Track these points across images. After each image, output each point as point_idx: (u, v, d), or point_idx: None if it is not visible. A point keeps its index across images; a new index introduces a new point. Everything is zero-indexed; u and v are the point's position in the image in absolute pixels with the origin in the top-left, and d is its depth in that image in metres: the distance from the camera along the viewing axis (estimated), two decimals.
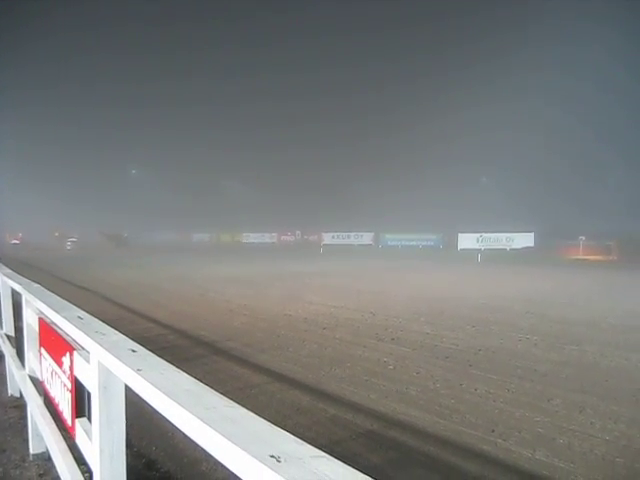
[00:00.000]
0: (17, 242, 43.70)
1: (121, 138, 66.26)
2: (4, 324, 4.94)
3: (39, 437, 3.17)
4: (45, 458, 3.21)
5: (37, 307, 3.03)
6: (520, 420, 4.04)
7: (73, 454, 2.42)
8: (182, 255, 29.73)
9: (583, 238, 29.66)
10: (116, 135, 66.36)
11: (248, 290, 12.47)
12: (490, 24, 47.35)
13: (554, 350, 6.36)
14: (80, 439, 2.05)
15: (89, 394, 1.91)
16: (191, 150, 63.04)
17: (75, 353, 2.08)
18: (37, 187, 57.85)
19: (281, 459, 0.85)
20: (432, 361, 5.85)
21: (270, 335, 7.21)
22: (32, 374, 3.35)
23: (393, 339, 6.99)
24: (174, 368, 1.42)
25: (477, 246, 33.82)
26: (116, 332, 1.94)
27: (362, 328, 7.74)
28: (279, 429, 0.99)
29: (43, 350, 2.80)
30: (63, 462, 2.40)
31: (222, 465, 0.96)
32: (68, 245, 39.22)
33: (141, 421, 3.64)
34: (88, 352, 1.87)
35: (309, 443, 0.93)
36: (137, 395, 1.37)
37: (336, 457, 0.87)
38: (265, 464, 0.83)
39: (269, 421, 1.02)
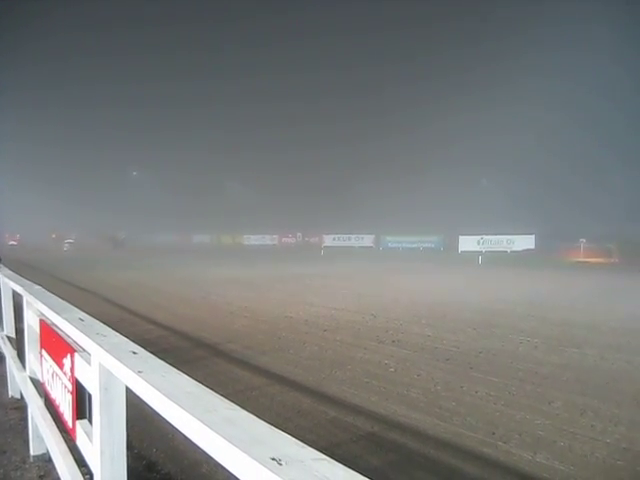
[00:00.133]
0: (15, 243, 43.79)
1: (121, 139, 66.41)
2: (5, 325, 4.95)
3: (40, 439, 3.17)
4: (46, 460, 3.21)
5: (38, 309, 3.03)
6: (521, 423, 4.03)
7: (74, 456, 2.42)
8: (182, 257, 29.74)
9: (584, 240, 29.61)
10: (116, 136, 66.53)
11: (249, 292, 12.46)
12: (490, 27, 47.36)
13: (555, 353, 6.35)
14: (81, 441, 2.05)
15: (90, 396, 1.91)
16: (191, 151, 63.07)
17: (76, 355, 2.08)
18: (37, 188, 57.90)
19: (282, 462, 0.85)
20: (433, 363, 5.85)
21: (271, 337, 7.21)
22: (33, 375, 3.35)
23: (394, 341, 6.98)
24: (175, 370, 1.42)
25: (478, 248, 33.77)
26: (117, 334, 1.94)
27: (363, 330, 7.73)
28: (280, 432, 0.99)
29: (44, 352, 2.80)
30: (64, 464, 2.40)
31: (222, 467, 0.96)
32: (65, 247, 39.25)
33: (142, 423, 3.64)
34: (89, 354, 1.87)
35: (310, 445, 0.93)
36: (137, 397, 1.37)
37: (337, 460, 0.87)
38: (266, 467, 0.83)
39: (270, 423, 1.02)
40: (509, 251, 33.36)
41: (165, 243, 50.54)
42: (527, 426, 3.96)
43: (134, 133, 66.64)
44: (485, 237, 34.97)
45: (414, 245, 39.04)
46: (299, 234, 49.19)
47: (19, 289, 3.78)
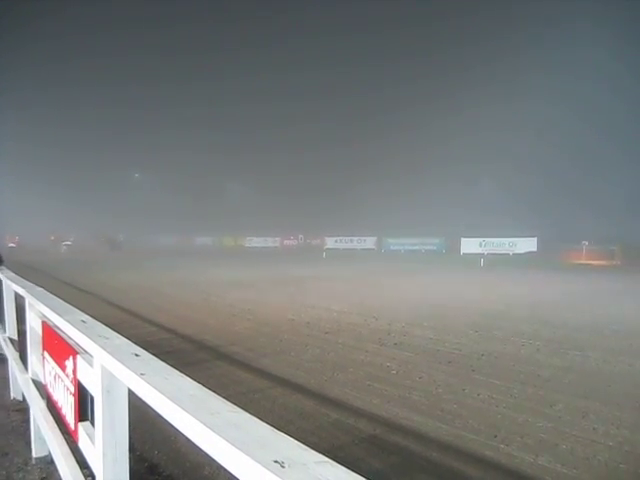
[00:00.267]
0: (13, 245, 43.89)
1: (121, 140, 66.66)
2: (7, 327, 4.96)
3: (42, 440, 3.18)
4: (48, 461, 3.22)
5: (40, 310, 3.04)
6: (523, 425, 4.02)
7: (76, 458, 2.42)
8: (184, 259, 29.76)
9: (586, 243, 29.54)
10: (116, 137, 66.77)
11: (251, 294, 12.47)
12: (490, 25, 47.26)
13: (557, 355, 6.34)
14: (83, 443, 2.05)
15: (92, 398, 1.91)
16: (192, 152, 63.12)
17: (78, 357, 2.09)
18: (36, 189, 58.08)
19: (285, 464, 0.85)
20: (435, 366, 5.84)
21: (273, 339, 7.21)
22: (35, 377, 3.36)
23: (396, 344, 6.97)
24: (178, 372, 1.43)
25: (480, 251, 33.73)
26: (119, 336, 1.95)
27: (365, 333, 7.73)
28: (283, 434, 0.99)
29: (46, 353, 2.81)
30: (66, 466, 2.40)
31: (224, 469, 0.96)
32: (62, 249, 39.35)
33: (144, 425, 3.64)
34: (91, 356, 1.87)
35: (312, 448, 0.94)
36: (140, 399, 1.37)
37: (339, 462, 0.87)
38: (269, 469, 0.83)
39: (272, 426, 1.02)
40: (511, 253, 33.28)
41: (166, 245, 50.61)
42: (529, 429, 3.95)
43: (134, 134, 66.93)
44: (487, 239, 34.93)
45: (416, 247, 38.99)
46: (301, 236, 49.17)
47: (21, 291, 3.79)
